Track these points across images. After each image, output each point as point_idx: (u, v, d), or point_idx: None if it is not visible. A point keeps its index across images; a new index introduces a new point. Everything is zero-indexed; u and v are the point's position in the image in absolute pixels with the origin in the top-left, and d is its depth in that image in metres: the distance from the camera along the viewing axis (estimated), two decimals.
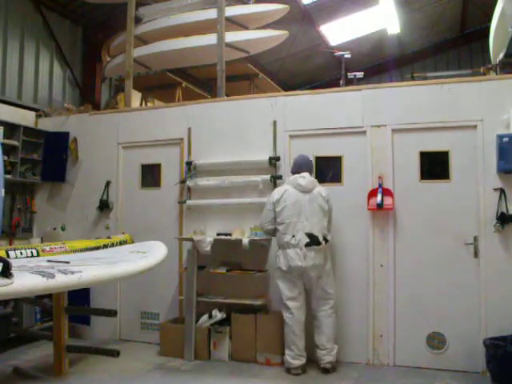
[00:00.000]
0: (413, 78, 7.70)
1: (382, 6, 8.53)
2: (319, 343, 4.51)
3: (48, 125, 6.26)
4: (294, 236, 4.45)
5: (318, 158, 5.03)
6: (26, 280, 2.69)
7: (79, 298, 5.23)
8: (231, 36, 6.43)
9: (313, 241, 4.42)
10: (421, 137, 4.71)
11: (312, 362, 4.57)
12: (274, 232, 4.64)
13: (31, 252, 4.11)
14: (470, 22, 10.42)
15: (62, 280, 2.91)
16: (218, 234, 5.12)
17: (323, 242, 4.47)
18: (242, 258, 5.06)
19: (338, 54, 6.92)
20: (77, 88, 7.92)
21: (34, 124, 6.29)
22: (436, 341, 4.51)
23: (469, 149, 4.53)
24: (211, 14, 6.43)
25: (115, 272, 3.49)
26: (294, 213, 4.48)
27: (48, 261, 3.65)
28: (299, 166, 4.68)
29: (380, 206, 4.62)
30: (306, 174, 4.60)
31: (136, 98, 7.60)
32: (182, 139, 5.54)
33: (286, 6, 6.78)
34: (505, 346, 3.95)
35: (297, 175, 4.62)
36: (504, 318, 4.23)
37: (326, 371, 4.45)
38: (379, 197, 4.64)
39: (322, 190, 4.61)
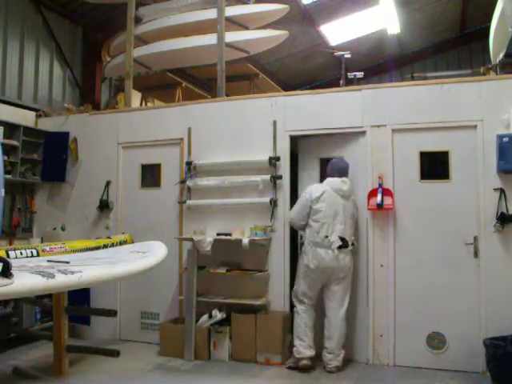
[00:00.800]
0: (413, 78, 7.69)
1: (382, 5, 8.53)
2: (328, 346, 4.54)
3: (48, 125, 6.26)
4: (327, 237, 4.53)
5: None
6: (26, 280, 2.68)
7: (79, 298, 5.23)
8: (231, 36, 6.43)
9: (344, 244, 4.56)
10: (421, 137, 4.71)
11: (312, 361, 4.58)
12: (303, 227, 4.72)
13: (31, 252, 4.11)
14: (470, 22, 10.41)
15: (62, 280, 2.90)
16: (218, 234, 5.12)
17: (351, 246, 4.63)
18: (242, 258, 5.06)
19: (337, 53, 6.91)
20: (77, 88, 7.92)
21: (34, 124, 6.29)
22: (436, 341, 4.51)
23: (469, 149, 4.53)
24: (211, 14, 6.42)
25: (115, 272, 3.49)
26: (331, 214, 4.57)
27: (48, 261, 3.65)
28: (338, 170, 4.75)
29: (380, 206, 4.62)
30: (346, 180, 4.72)
31: (136, 98, 7.60)
32: (181, 139, 5.54)
33: (286, 6, 6.78)
34: (505, 346, 3.95)
35: (338, 179, 4.69)
36: (504, 318, 4.23)
37: (331, 373, 4.49)
38: (379, 197, 4.64)
39: (355, 198, 4.79)
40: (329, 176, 4.76)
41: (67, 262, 3.45)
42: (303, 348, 4.52)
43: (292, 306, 4.81)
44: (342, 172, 4.74)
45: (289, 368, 4.59)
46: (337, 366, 4.49)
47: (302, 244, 4.82)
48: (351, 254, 4.64)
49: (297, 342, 4.55)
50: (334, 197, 4.61)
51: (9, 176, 5.54)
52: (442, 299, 4.51)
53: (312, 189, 4.69)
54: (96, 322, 5.60)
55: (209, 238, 4.99)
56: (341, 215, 4.58)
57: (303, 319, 4.57)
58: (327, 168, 4.84)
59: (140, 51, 6.84)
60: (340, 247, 4.52)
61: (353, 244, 4.64)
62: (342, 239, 4.54)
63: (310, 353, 4.53)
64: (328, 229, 4.53)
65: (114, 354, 4.35)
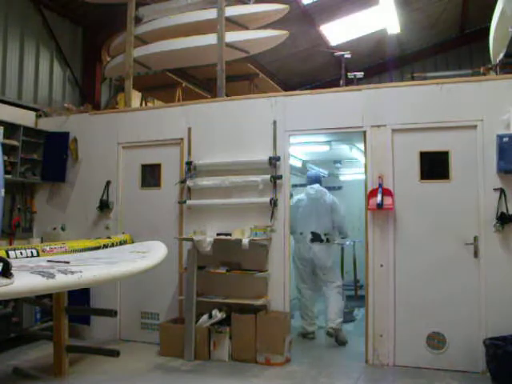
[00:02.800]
0: (413, 78, 7.70)
1: (381, 5, 8.51)
2: (326, 314, 5.53)
3: (48, 125, 6.26)
4: (301, 233, 5.71)
5: None
6: (25, 280, 2.68)
7: (79, 297, 5.23)
8: (231, 36, 6.42)
9: (316, 238, 5.64)
10: (421, 137, 4.71)
11: (313, 361, 4.57)
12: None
13: (31, 252, 4.11)
14: (470, 22, 10.39)
15: (62, 280, 2.90)
16: (218, 234, 5.12)
17: (324, 240, 5.64)
18: (242, 257, 5.06)
19: (337, 54, 6.90)
20: (77, 88, 7.92)
21: (34, 124, 6.29)
22: (436, 341, 4.51)
23: (469, 149, 4.53)
24: (211, 13, 6.42)
25: (115, 272, 3.49)
26: (304, 216, 5.73)
27: (48, 261, 3.65)
28: (309, 180, 6.09)
29: (380, 206, 4.62)
30: (315, 186, 5.91)
31: (136, 98, 7.59)
32: (182, 139, 5.54)
33: (286, 6, 6.77)
34: (505, 346, 3.95)
35: (308, 186, 5.95)
36: (504, 318, 4.24)
37: (329, 334, 5.36)
38: (379, 197, 4.64)
39: (326, 197, 5.83)
40: (307, 185, 6.05)
41: (67, 262, 3.45)
42: (307, 325, 5.63)
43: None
44: (311, 181, 6.00)
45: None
46: (332, 327, 5.33)
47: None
48: (327, 249, 5.64)
49: (302, 321, 5.68)
50: (307, 201, 5.82)
51: (9, 176, 5.53)
52: (442, 299, 4.51)
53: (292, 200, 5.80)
54: (96, 322, 5.60)
55: (209, 238, 4.99)
56: (313, 214, 5.69)
57: (304, 300, 5.71)
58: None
59: (140, 51, 6.83)
60: (313, 240, 5.62)
61: (327, 239, 5.64)
62: (314, 233, 5.63)
63: (312, 328, 5.65)
64: (302, 227, 5.68)
65: (114, 354, 4.35)
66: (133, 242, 5.31)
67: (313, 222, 5.65)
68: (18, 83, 6.76)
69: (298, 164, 7.11)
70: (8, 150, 5.64)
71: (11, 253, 3.91)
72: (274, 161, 5.06)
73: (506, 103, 4.40)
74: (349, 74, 6.32)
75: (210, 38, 6.37)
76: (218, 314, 4.91)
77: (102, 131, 5.97)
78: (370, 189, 4.76)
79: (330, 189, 8.31)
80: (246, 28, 6.81)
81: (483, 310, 4.36)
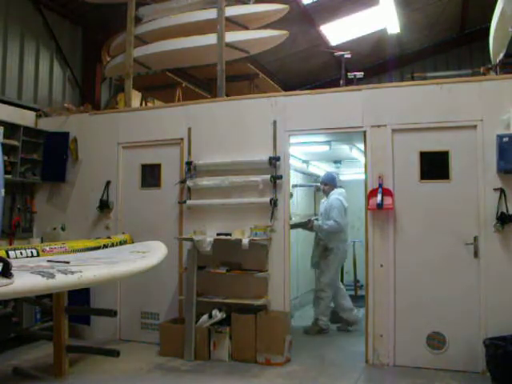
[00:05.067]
0: (413, 78, 7.70)
1: (381, 5, 8.52)
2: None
3: (48, 125, 6.26)
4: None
5: None
6: (25, 280, 2.69)
7: (79, 298, 5.23)
8: (231, 36, 6.42)
9: None
10: (421, 137, 4.71)
11: (313, 361, 4.57)
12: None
13: (31, 252, 4.12)
14: (470, 22, 10.39)
15: (62, 280, 2.90)
16: (218, 234, 5.12)
17: None
18: (242, 257, 5.07)
19: (337, 54, 6.91)
20: (77, 88, 7.92)
21: (34, 124, 6.29)
22: (436, 341, 4.51)
23: (469, 149, 4.53)
24: (211, 14, 6.42)
25: (115, 272, 3.50)
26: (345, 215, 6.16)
27: (48, 261, 3.65)
28: (337, 181, 6.42)
29: (380, 206, 4.62)
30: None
31: (136, 98, 7.59)
32: (182, 139, 5.54)
33: (286, 6, 6.77)
34: (505, 346, 3.95)
35: (342, 189, 6.29)
36: (504, 318, 4.24)
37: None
38: (379, 197, 4.64)
39: None
40: (336, 187, 6.21)
41: (67, 262, 3.45)
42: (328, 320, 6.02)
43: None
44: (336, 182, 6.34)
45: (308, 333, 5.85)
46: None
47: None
48: None
49: (324, 318, 5.91)
50: (345, 202, 6.06)
51: (9, 176, 5.53)
52: (442, 299, 4.51)
53: (342, 199, 6.04)
54: (96, 322, 5.60)
55: (209, 238, 4.99)
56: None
57: (330, 300, 6.00)
58: (330, 180, 6.24)
59: (140, 51, 6.83)
60: None
61: None
62: None
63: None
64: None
65: (114, 354, 4.36)
66: (133, 242, 5.31)
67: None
68: (17, 83, 6.76)
69: (298, 164, 7.12)
70: (8, 150, 5.64)
71: (11, 253, 3.91)
72: (273, 161, 5.06)
73: (505, 103, 4.40)
74: (349, 74, 6.32)
75: (210, 38, 6.38)
76: (218, 314, 4.90)
77: (102, 131, 5.97)
78: (370, 189, 4.77)
79: None
80: (246, 28, 6.81)
81: (483, 310, 4.36)
